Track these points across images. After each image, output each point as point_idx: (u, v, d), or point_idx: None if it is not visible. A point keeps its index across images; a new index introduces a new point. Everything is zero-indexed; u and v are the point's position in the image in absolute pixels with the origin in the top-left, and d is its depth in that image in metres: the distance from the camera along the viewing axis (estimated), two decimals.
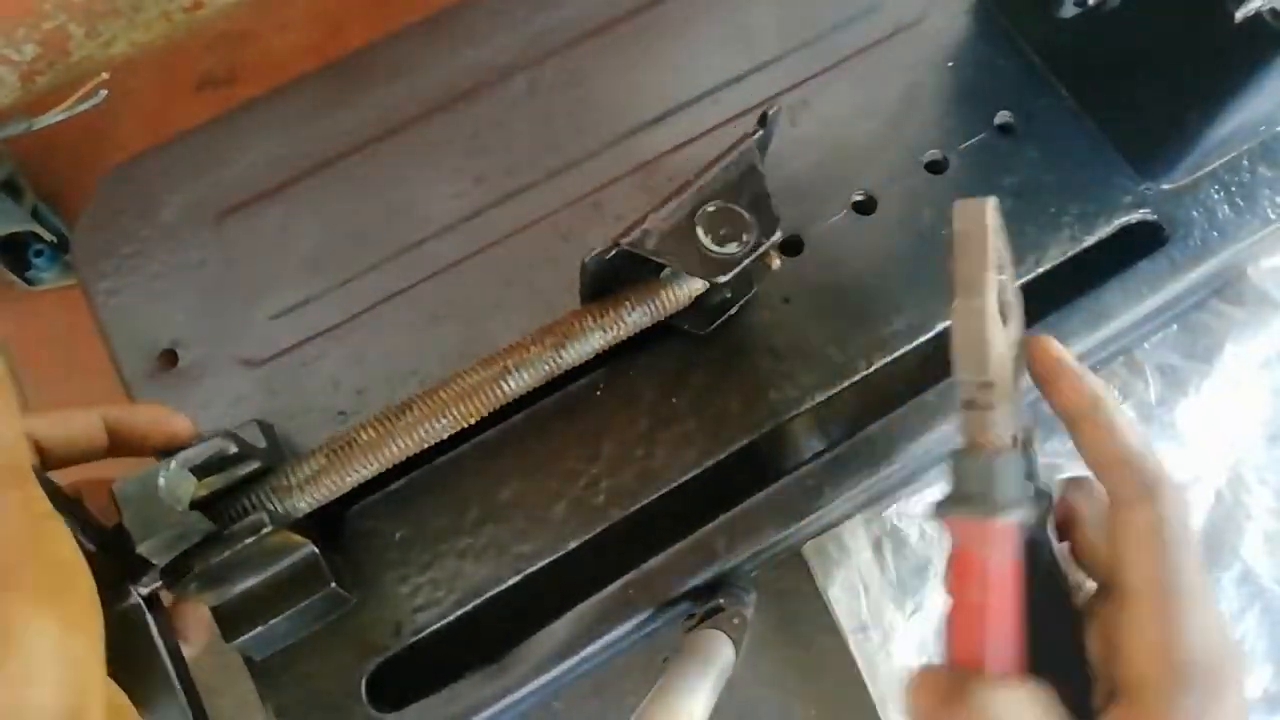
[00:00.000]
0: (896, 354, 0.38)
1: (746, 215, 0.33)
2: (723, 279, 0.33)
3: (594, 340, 0.35)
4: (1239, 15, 0.34)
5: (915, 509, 0.49)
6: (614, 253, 0.32)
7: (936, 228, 0.40)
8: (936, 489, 0.48)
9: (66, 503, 0.28)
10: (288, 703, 0.35)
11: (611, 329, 0.35)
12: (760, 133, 0.34)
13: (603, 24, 0.45)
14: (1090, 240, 0.40)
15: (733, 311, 0.38)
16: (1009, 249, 0.30)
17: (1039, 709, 0.25)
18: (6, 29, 0.54)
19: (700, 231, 0.33)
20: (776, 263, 0.35)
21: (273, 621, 0.33)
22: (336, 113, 0.44)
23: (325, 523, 0.36)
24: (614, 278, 0.35)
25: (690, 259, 0.33)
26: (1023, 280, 0.39)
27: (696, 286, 0.36)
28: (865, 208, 0.41)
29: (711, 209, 0.33)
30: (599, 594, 0.36)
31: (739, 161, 0.34)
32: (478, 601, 0.36)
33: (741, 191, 0.34)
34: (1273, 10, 0.34)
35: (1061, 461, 0.49)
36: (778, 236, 0.33)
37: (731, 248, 0.33)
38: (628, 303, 0.35)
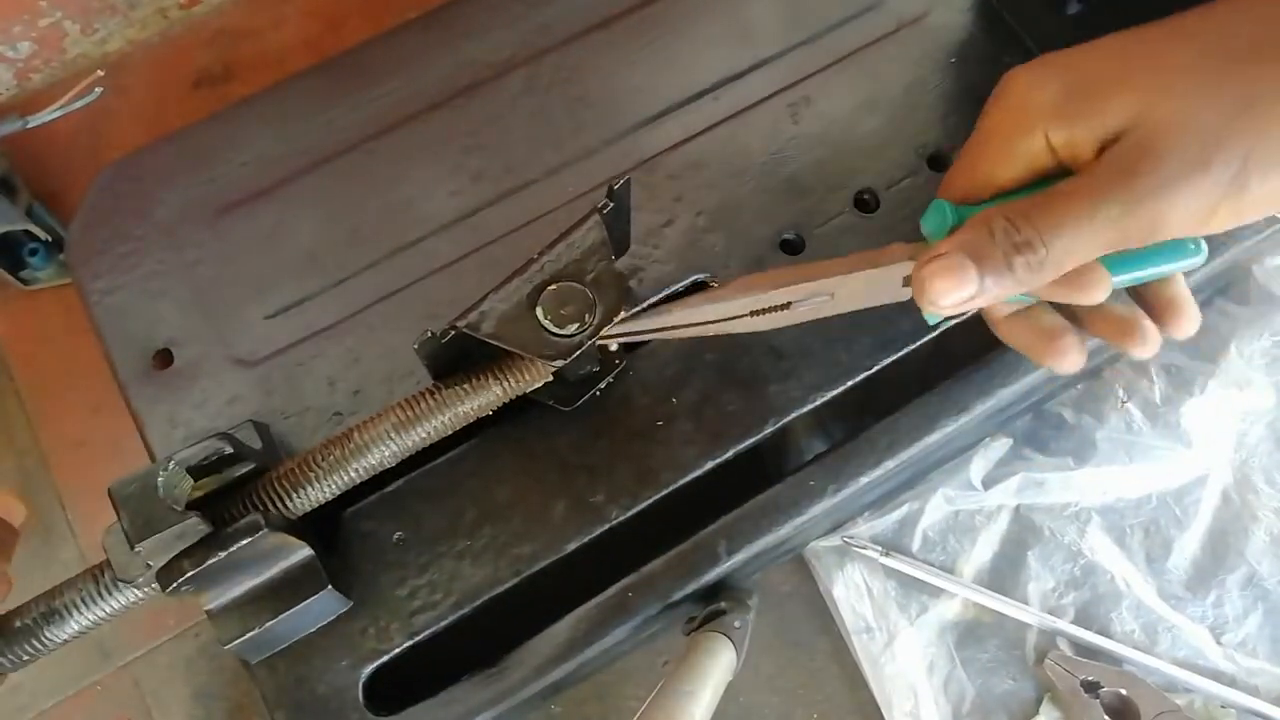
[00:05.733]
0: (899, 354, 0.38)
1: (589, 294, 0.32)
2: (561, 363, 0.32)
3: (438, 420, 0.33)
4: None
5: (918, 509, 0.48)
6: (449, 336, 0.31)
7: None
8: (940, 492, 0.48)
9: None
10: (284, 706, 0.35)
11: (449, 410, 0.33)
12: (610, 205, 0.32)
13: (601, 20, 0.44)
14: None
15: (601, 387, 0.37)
16: None
17: None
18: (2, 26, 0.54)
19: (540, 312, 0.32)
20: (614, 346, 0.33)
21: (269, 624, 0.33)
22: (333, 110, 0.43)
23: (322, 524, 0.36)
24: (462, 356, 0.34)
25: (529, 341, 0.32)
26: None
27: (555, 364, 0.33)
28: (867, 205, 0.41)
29: (554, 288, 0.32)
30: (599, 596, 0.36)
31: (584, 238, 0.32)
32: (476, 604, 0.35)
33: (586, 269, 0.32)
34: None
35: (1050, 475, 0.48)
36: (622, 315, 0.32)
37: (571, 329, 0.32)
38: (468, 384, 0.33)
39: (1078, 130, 0.26)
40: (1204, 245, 0.28)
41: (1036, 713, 0.46)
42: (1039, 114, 0.27)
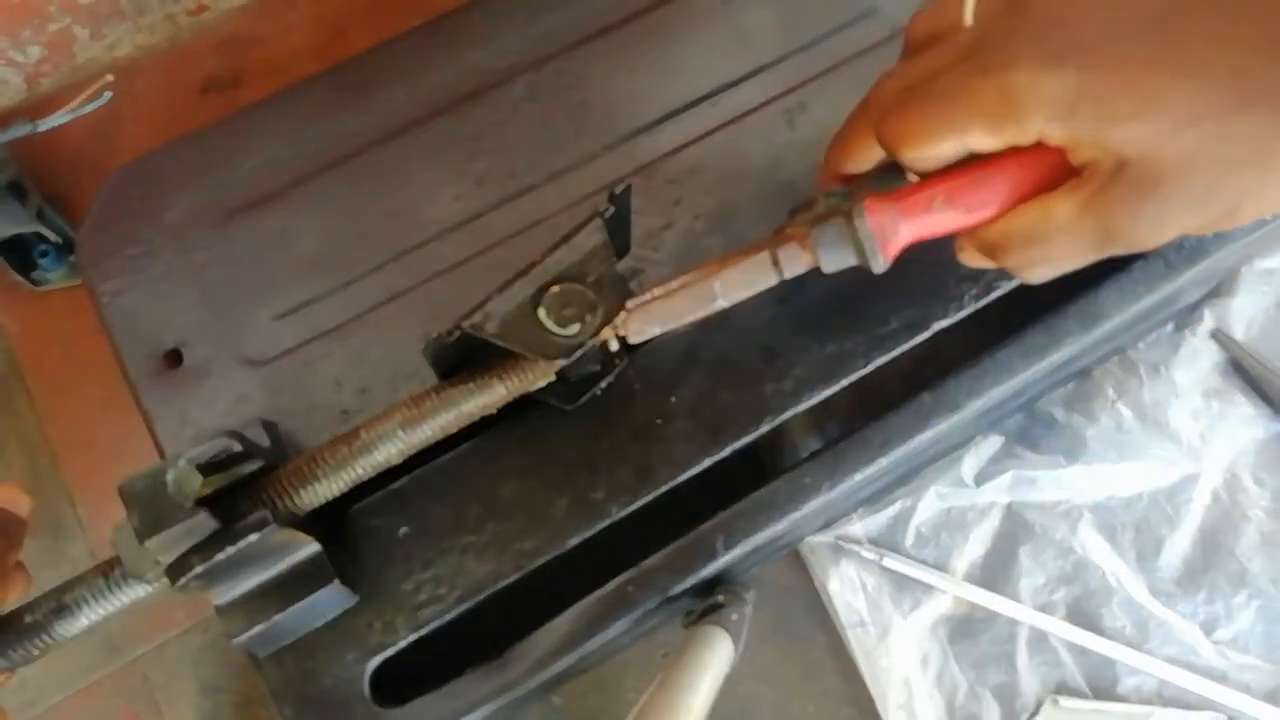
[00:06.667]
0: (894, 353, 0.38)
1: (591, 295, 0.33)
2: (563, 363, 0.33)
3: (443, 418, 0.34)
4: None
5: (912, 506, 0.49)
6: (455, 336, 0.32)
7: None
8: (932, 489, 0.49)
9: None
10: (291, 699, 0.35)
11: (453, 409, 0.34)
12: (611, 210, 0.33)
13: (603, 27, 0.45)
14: None
15: (602, 386, 0.37)
16: None
17: None
18: (12, 31, 0.55)
19: (543, 313, 0.32)
20: (615, 344, 0.34)
21: (276, 618, 0.33)
22: (340, 115, 0.44)
23: (329, 520, 0.36)
24: (466, 356, 0.34)
25: (532, 341, 0.32)
26: (1017, 282, 0.39)
27: (557, 363, 0.34)
28: None
29: (556, 290, 0.33)
30: (599, 590, 0.37)
31: (586, 240, 0.33)
32: (480, 598, 0.36)
33: (588, 271, 0.33)
34: None
35: (1041, 473, 0.49)
36: (621, 317, 0.33)
37: (574, 329, 0.32)
38: (472, 384, 0.34)
39: (1083, 136, 0.25)
40: None
41: (1032, 709, 0.47)
42: (1042, 108, 0.24)
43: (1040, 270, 0.28)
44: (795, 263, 0.32)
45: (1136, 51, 0.24)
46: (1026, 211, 0.27)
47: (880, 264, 0.30)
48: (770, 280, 0.32)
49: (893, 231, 0.29)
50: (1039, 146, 0.26)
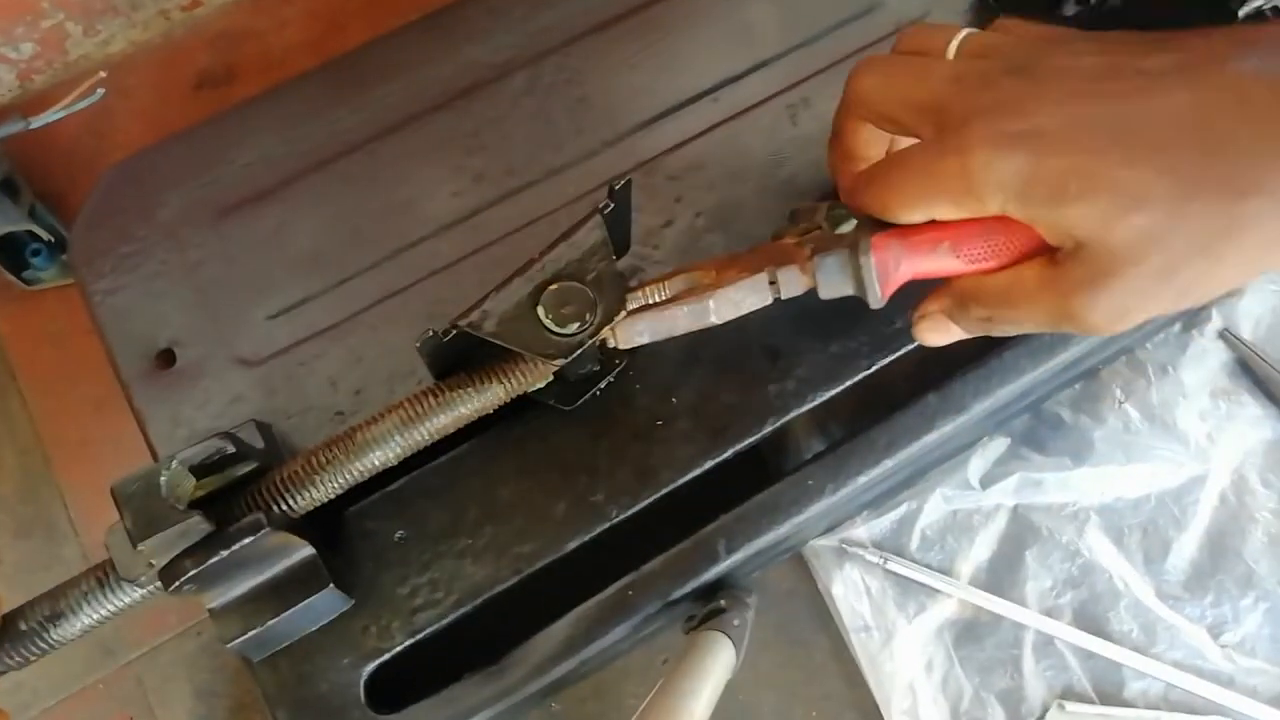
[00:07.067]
0: (898, 354, 0.38)
1: (590, 293, 0.32)
2: (561, 362, 0.32)
3: (440, 419, 0.34)
4: (1242, 13, 0.34)
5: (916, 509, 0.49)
6: (451, 335, 0.31)
7: None
8: (938, 491, 0.48)
9: None
10: (286, 704, 0.35)
11: (450, 410, 0.34)
12: (611, 206, 0.33)
13: (602, 22, 0.45)
14: None
15: (601, 386, 0.37)
16: None
17: None
18: (4, 27, 0.54)
19: (542, 311, 0.32)
20: (614, 341, 0.34)
21: (271, 622, 0.33)
22: (335, 111, 0.44)
23: (324, 523, 0.36)
24: (464, 355, 0.34)
25: (530, 340, 0.32)
26: None
27: (555, 363, 0.34)
28: None
29: (555, 288, 0.32)
30: (599, 595, 0.36)
31: (585, 238, 0.33)
32: (477, 602, 0.36)
33: (587, 269, 0.33)
34: (1275, 8, 0.34)
35: (1047, 475, 0.49)
36: (621, 316, 0.32)
37: (572, 328, 0.32)
38: (470, 384, 0.34)
39: (1039, 217, 0.26)
40: None
41: (1038, 713, 0.46)
42: (999, 188, 0.26)
43: (1003, 328, 0.30)
44: (793, 285, 0.32)
45: (1088, 140, 0.25)
46: (1005, 273, 0.28)
47: (878, 300, 0.31)
48: (765, 300, 0.32)
49: (894, 269, 0.30)
50: None
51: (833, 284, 0.31)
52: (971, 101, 0.27)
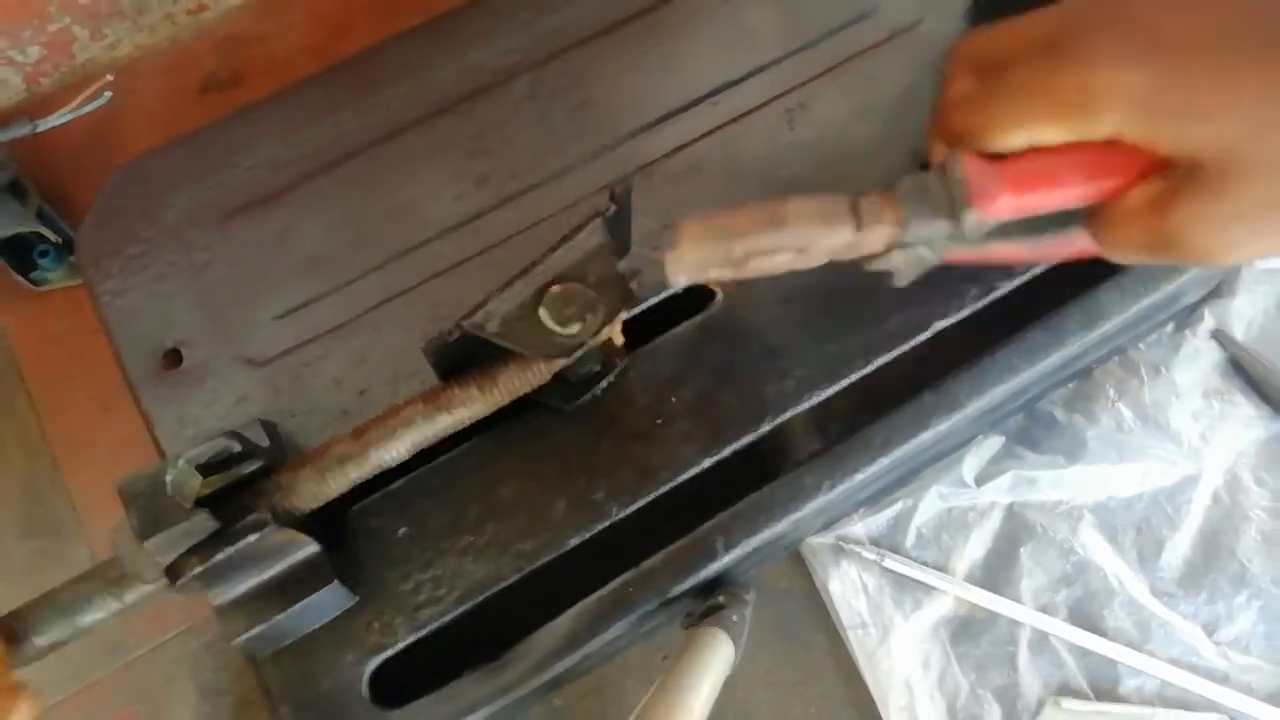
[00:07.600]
0: (895, 352, 0.38)
1: (591, 295, 0.33)
2: (563, 362, 0.33)
3: (444, 418, 0.34)
4: None
5: (911, 507, 0.49)
6: (455, 335, 0.32)
7: None
8: (933, 489, 0.49)
9: None
10: (290, 701, 0.35)
11: (454, 410, 0.34)
12: (612, 209, 0.33)
13: (604, 27, 0.45)
14: None
15: (602, 386, 0.37)
16: None
17: None
18: (11, 31, 0.55)
19: (544, 313, 0.32)
20: (620, 340, 0.34)
21: (275, 619, 0.33)
22: (340, 114, 0.44)
23: (328, 521, 0.36)
24: (467, 356, 0.34)
25: (532, 341, 0.32)
26: (1018, 282, 0.39)
27: (557, 363, 0.34)
28: None
29: (557, 289, 0.33)
30: (599, 592, 0.37)
31: (586, 240, 0.33)
32: (479, 599, 0.36)
33: (589, 271, 0.33)
34: None
35: (1041, 473, 0.49)
36: (622, 316, 0.33)
37: (574, 329, 0.32)
38: (473, 384, 0.34)
39: (1162, 133, 0.24)
40: None
41: (1033, 710, 0.46)
42: (1121, 102, 0.24)
43: (1108, 254, 0.28)
44: (875, 213, 0.29)
45: (1221, 52, 0.23)
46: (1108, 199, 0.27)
47: (977, 224, 0.27)
48: (844, 232, 0.29)
49: (993, 190, 0.27)
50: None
51: (921, 215, 0.28)
52: (1093, 14, 0.25)
